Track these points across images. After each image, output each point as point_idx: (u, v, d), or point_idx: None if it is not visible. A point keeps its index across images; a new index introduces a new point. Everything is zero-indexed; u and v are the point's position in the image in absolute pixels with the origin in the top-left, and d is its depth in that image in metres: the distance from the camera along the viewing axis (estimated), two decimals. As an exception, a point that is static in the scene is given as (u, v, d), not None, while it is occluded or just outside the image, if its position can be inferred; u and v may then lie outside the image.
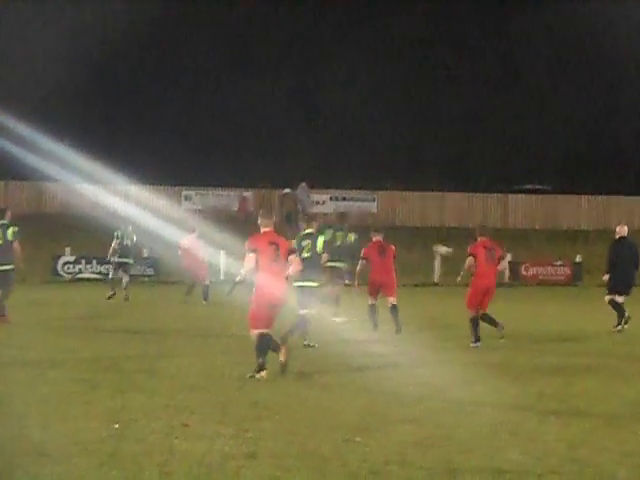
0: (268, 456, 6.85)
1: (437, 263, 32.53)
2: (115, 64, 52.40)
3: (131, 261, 23.41)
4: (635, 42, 51.30)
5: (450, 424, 8.09)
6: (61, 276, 31.42)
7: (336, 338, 14.49)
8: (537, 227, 44.05)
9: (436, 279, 32.61)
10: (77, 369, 10.95)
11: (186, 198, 42.73)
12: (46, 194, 41.86)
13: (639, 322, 16.84)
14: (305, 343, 13.45)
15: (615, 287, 16.97)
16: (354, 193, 43.59)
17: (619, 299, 16.87)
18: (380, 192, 43.88)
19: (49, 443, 7.11)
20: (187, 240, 22.69)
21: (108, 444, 7.10)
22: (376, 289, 15.85)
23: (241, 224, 33.74)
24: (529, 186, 46.94)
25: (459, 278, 14.82)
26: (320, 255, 13.66)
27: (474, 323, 14.13)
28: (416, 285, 30.89)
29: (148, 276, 31.90)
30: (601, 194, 44.89)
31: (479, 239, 14.65)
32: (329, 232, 16.78)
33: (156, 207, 38.06)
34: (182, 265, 23.12)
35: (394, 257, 16.02)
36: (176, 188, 42.68)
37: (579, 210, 44.84)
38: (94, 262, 31.33)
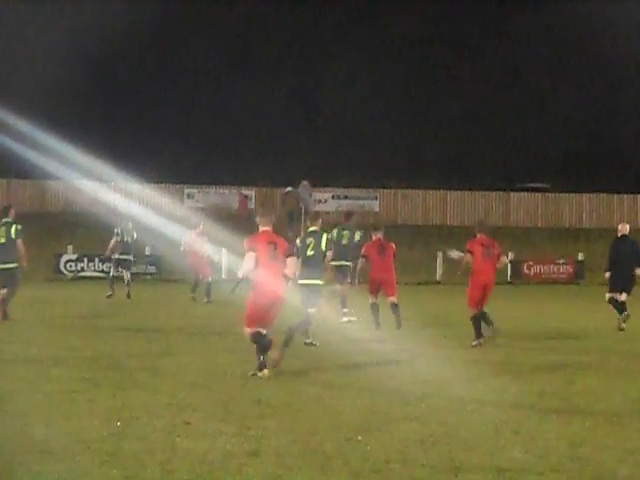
0: (270, 454, 6.85)
1: (440, 262, 32.59)
2: (115, 64, 52.45)
3: (131, 258, 23.43)
4: (635, 42, 51.30)
5: (452, 422, 8.09)
6: (63, 274, 31.48)
7: (338, 336, 14.47)
8: (539, 225, 44.05)
9: (438, 277, 32.72)
10: (79, 367, 10.95)
11: (188, 196, 42.78)
12: (49, 192, 41.91)
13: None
14: (307, 341, 13.43)
15: (616, 285, 16.98)
16: (356, 191, 43.62)
17: (621, 297, 16.87)
18: (382, 190, 43.91)
19: (51, 441, 7.11)
20: (192, 236, 22.68)
21: (110, 442, 7.10)
22: (376, 287, 15.84)
23: (243, 222, 33.74)
24: (531, 184, 46.94)
25: (458, 272, 15.08)
26: (324, 253, 13.60)
27: (476, 321, 14.13)
28: (419, 283, 30.94)
29: (150, 274, 31.93)
30: (603, 192, 44.93)
31: (477, 236, 14.67)
32: (335, 231, 16.78)
33: (159, 205, 38.11)
34: (186, 262, 23.11)
35: (394, 255, 16.01)
36: (178, 186, 42.73)
37: (581, 208, 44.83)
38: (96, 260, 31.37)
